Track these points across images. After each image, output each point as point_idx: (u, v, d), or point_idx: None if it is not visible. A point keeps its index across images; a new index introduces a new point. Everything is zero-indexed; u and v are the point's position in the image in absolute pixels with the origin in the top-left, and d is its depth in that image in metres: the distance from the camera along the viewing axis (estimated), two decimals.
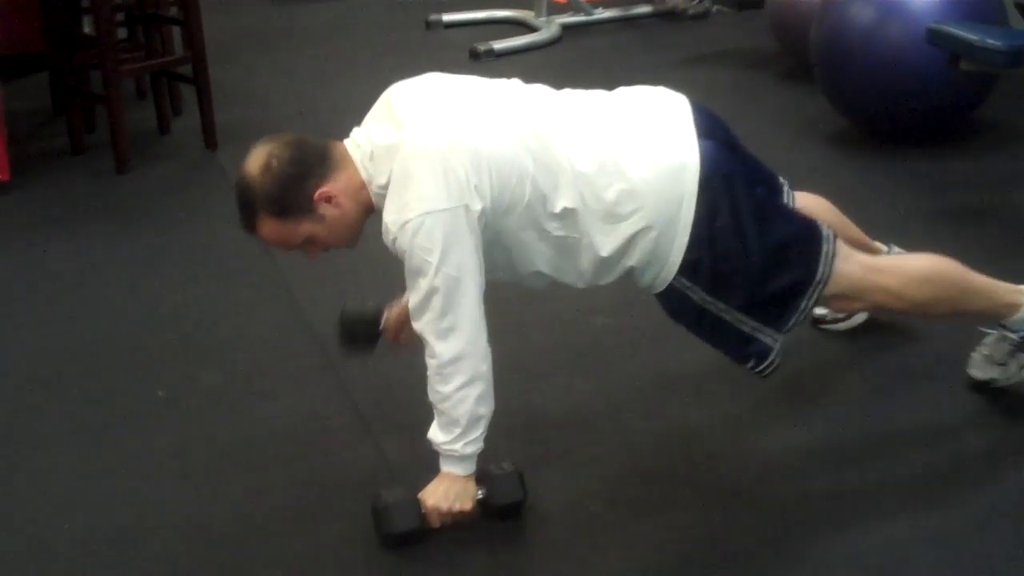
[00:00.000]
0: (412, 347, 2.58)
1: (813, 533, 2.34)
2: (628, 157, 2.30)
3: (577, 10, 6.25)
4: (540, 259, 2.37)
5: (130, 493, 2.60)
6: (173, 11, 5.01)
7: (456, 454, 2.33)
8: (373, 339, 2.70)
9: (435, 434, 2.34)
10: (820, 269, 2.38)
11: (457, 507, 2.34)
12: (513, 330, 3.03)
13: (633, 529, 2.40)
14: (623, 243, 2.31)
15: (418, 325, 2.30)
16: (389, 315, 2.67)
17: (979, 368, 2.67)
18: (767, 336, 2.40)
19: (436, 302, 2.24)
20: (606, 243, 2.32)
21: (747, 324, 2.38)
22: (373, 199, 2.33)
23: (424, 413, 2.35)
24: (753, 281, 2.35)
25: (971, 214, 3.75)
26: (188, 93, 4.90)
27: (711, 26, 6.19)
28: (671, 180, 2.30)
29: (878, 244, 2.94)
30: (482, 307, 2.28)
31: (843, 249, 2.43)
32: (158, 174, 4.52)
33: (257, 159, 2.30)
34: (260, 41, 6.43)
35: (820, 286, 2.39)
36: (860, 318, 2.97)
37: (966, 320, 2.65)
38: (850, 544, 2.28)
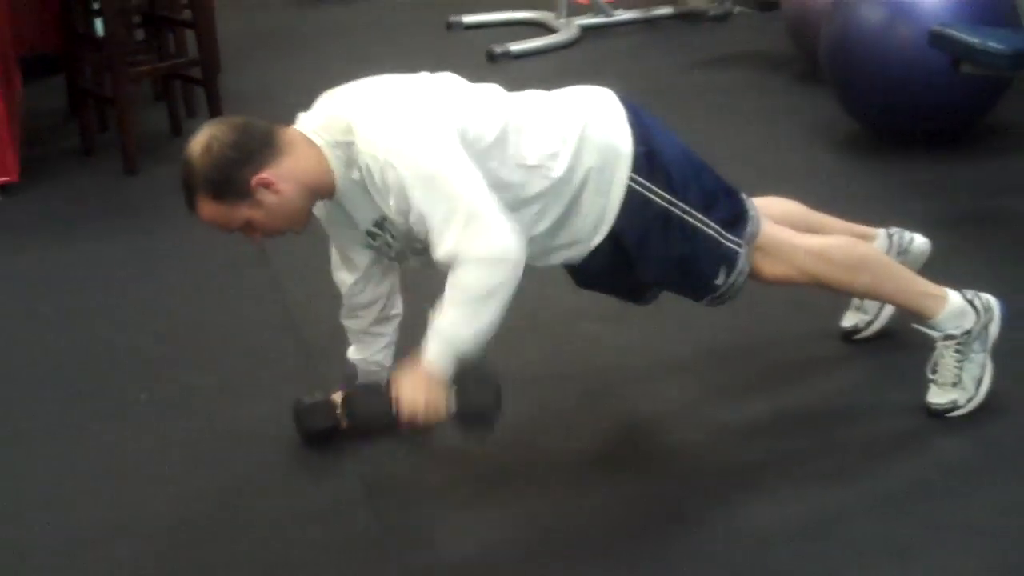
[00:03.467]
0: None
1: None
2: (558, 106, 2.46)
3: (597, 11, 6.21)
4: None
5: (106, 493, 2.61)
6: (188, 14, 5.04)
7: (458, 339, 2.24)
8: (332, 428, 2.63)
9: (445, 321, 2.24)
10: (747, 205, 2.53)
11: (432, 413, 2.25)
12: None
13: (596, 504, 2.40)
14: (576, 143, 2.39)
15: (450, 242, 2.21)
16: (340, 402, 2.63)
17: (935, 394, 2.64)
18: (731, 242, 2.47)
19: (462, 204, 2.21)
20: (560, 148, 2.38)
21: (711, 227, 2.46)
22: (332, 167, 2.31)
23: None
24: (701, 178, 2.49)
25: (980, 220, 3.69)
26: (204, 95, 4.91)
27: (731, 28, 6.13)
28: (601, 103, 2.49)
29: (874, 230, 2.88)
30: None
31: (764, 215, 2.56)
32: (165, 175, 4.48)
33: (200, 140, 2.29)
34: (281, 42, 6.44)
35: (753, 218, 2.51)
36: (885, 317, 2.91)
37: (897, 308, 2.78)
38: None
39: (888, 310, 2.89)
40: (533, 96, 2.48)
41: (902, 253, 2.83)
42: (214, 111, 4.68)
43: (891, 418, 2.68)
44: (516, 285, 2.24)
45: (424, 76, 2.43)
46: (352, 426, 2.28)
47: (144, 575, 2.35)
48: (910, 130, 4.16)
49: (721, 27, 6.17)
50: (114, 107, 4.45)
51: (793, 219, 2.73)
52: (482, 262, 2.22)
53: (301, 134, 2.34)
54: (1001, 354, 2.66)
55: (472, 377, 2.27)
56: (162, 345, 3.23)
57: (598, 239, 2.45)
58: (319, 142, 2.31)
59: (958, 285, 2.65)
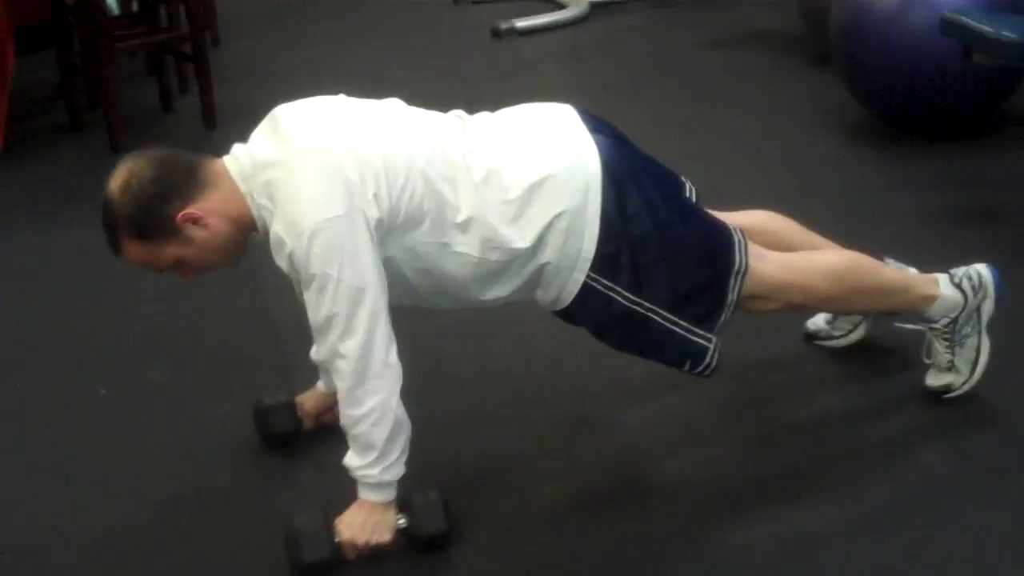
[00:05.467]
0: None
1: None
2: (525, 157, 2.21)
3: None
4: (446, 275, 2.22)
5: (47, 496, 2.50)
6: None
7: (373, 480, 2.18)
8: (292, 430, 2.57)
9: (350, 459, 2.19)
10: (738, 257, 2.31)
11: (375, 540, 2.20)
12: (447, 336, 2.92)
13: (571, 550, 2.25)
14: (535, 239, 2.19)
15: (323, 346, 2.15)
16: (304, 402, 2.58)
17: (932, 376, 2.61)
18: (699, 337, 2.29)
19: (340, 319, 2.09)
20: (516, 240, 2.18)
21: (678, 325, 2.27)
22: (255, 215, 2.18)
23: None
24: (676, 270, 2.25)
25: (987, 213, 3.54)
26: None
27: (746, 6, 5.95)
28: (572, 169, 2.20)
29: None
30: (389, 320, 2.13)
31: (754, 248, 2.36)
32: None
33: (119, 178, 2.15)
34: (285, 14, 6.31)
35: (741, 275, 2.30)
36: (856, 336, 2.81)
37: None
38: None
39: (865, 326, 2.79)
40: (496, 155, 2.21)
41: None
42: (204, 87, 4.54)
43: (871, 433, 2.55)
44: (396, 396, 2.14)
45: (387, 117, 2.23)
46: (292, 565, 2.19)
47: None
48: (921, 119, 4.00)
49: (737, 5, 5.98)
50: (100, 82, 4.31)
51: (783, 239, 2.59)
52: (351, 390, 2.12)
53: (226, 173, 2.19)
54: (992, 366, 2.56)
55: (420, 501, 2.23)
56: (131, 337, 3.10)
57: (551, 308, 2.33)
58: (243, 189, 2.18)
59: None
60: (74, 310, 3.29)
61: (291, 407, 2.57)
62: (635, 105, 4.59)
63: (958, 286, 2.53)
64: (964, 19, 3.29)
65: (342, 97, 2.29)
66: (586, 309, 2.26)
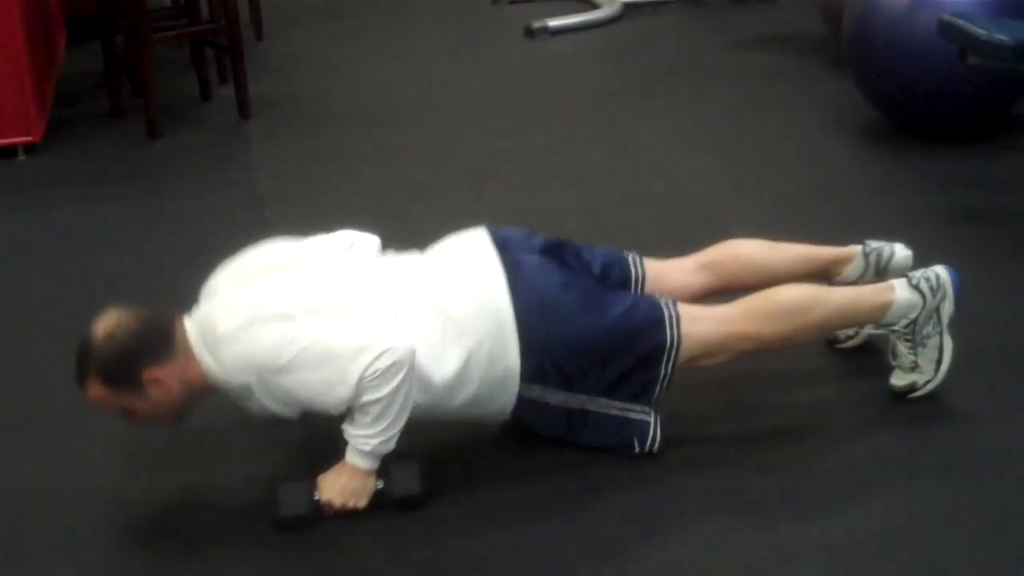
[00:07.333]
0: None
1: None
2: (443, 299, 2.39)
3: None
4: None
5: (76, 455, 2.65)
6: None
7: (368, 448, 2.32)
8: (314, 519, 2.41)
9: (351, 427, 2.32)
10: (668, 333, 2.43)
11: (352, 503, 2.34)
12: None
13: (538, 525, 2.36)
14: (461, 365, 2.35)
15: (351, 384, 2.25)
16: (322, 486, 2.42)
17: (897, 376, 2.65)
18: (638, 414, 2.45)
19: (312, 353, 2.26)
20: (445, 368, 2.35)
21: (615, 407, 2.44)
22: (208, 378, 2.35)
23: None
24: (604, 362, 2.41)
25: (990, 215, 3.60)
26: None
27: (780, 9, 6.03)
28: (484, 301, 2.39)
29: (850, 250, 2.79)
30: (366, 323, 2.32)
31: (688, 311, 2.47)
32: (186, 141, 4.58)
33: (105, 324, 2.33)
34: (327, 10, 6.47)
35: (675, 351, 2.43)
36: (860, 340, 2.84)
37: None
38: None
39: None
40: (417, 303, 2.39)
41: (880, 272, 2.74)
42: (239, 78, 4.70)
43: (869, 435, 2.58)
44: (410, 373, 2.27)
45: (320, 267, 2.45)
46: (272, 519, 2.33)
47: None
48: (930, 121, 4.06)
49: (770, 7, 6.06)
50: (138, 71, 4.50)
51: (752, 265, 2.71)
52: (376, 375, 2.24)
53: (188, 338, 2.36)
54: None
55: (396, 464, 2.36)
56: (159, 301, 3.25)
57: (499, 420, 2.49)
58: (204, 360, 2.34)
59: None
60: (106, 279, 3.45)
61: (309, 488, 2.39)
62: (660, 104, 4.71)
63: (916, 287, 2.57)
64: (959, 21, 3.36)
65: (278, 247, 2.54)
66: (528, 417, 2.46)
